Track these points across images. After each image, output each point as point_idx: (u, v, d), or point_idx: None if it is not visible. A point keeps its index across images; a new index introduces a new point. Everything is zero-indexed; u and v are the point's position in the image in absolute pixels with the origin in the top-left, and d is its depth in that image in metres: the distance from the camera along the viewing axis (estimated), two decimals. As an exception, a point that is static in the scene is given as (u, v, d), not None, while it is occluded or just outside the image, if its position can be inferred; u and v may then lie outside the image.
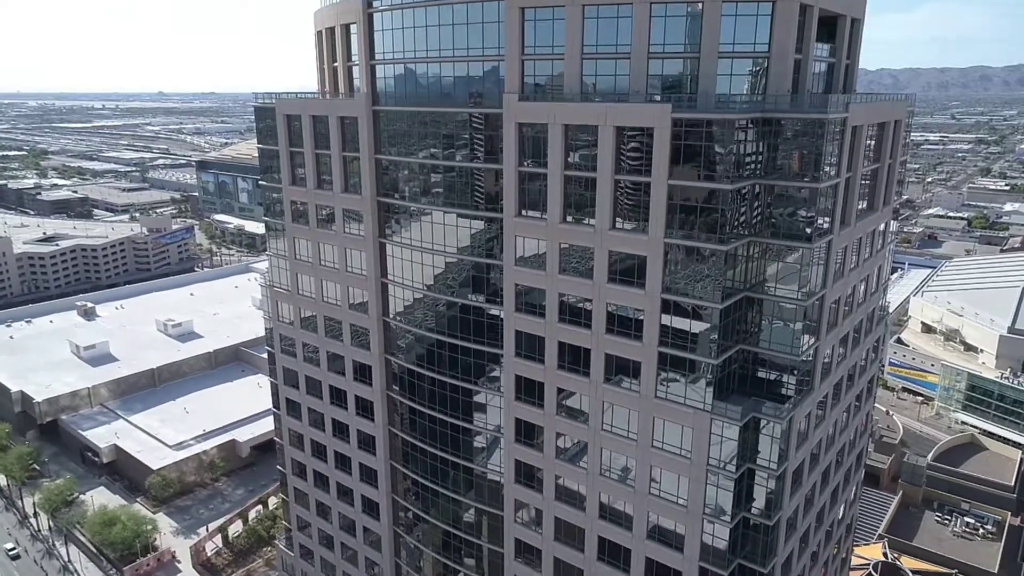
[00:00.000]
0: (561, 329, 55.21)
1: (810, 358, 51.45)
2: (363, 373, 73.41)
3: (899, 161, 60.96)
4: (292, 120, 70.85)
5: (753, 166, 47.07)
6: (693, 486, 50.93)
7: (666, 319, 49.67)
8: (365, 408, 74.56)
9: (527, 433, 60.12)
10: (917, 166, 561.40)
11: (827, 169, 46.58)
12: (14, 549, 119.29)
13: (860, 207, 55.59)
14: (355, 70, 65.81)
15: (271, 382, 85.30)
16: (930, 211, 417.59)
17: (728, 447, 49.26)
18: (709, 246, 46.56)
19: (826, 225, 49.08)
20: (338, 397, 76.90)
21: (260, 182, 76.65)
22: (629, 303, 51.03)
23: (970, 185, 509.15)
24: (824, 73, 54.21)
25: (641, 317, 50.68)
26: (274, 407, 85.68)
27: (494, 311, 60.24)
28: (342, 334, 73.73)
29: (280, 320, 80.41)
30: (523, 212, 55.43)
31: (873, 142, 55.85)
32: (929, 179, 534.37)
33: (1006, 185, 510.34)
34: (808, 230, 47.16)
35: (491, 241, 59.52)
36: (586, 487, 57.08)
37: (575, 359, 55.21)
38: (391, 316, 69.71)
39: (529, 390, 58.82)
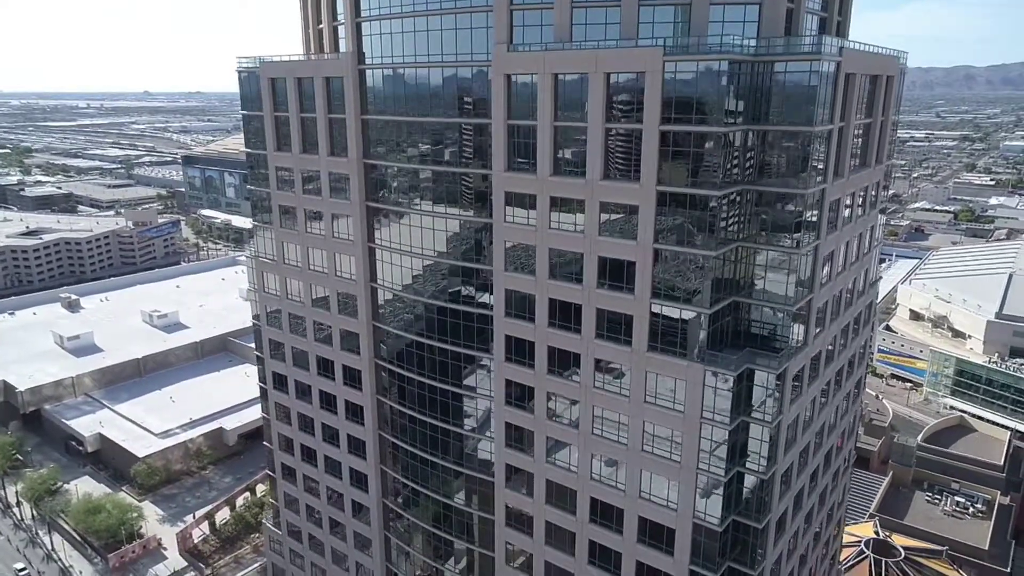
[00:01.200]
0: (552, 286, 54.27)
1: (804, 311, 50.78)
2: (350, 343, 72.22)
3: (891, 120, 60.50)
4: (277, 84, 69.62)
5: (746, 111, 46.33)
6: (687, 440, 50.10)
7: (658, 271, 48.87)
8: (353, 378, 73.42)
9: (518, 396, 59.15)
10: (903, 162, 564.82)
11: (821, 114, 45.90)
12: (24, 570, 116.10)
13: (853, 162, 55.00)
14: (340, 30, 64.64)
15: (256, 355, 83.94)
16: (916, 205, 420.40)
17: (722, 400, 48.47)
18: (702, 192, 45.80)
19: (820, 174, 48.40)
20: (326, 368, 75.70)
21: (245, 149, 75.31)
22: (621, 255, 50.14)
23: (956, 180, 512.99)
24: (816, 29, 53.61)
25: (633, 271, 49.85)
26: (260, 381, 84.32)
27: (484, 271, 59.30)
28: (329, 303, 72.56)
29: (266, 291, 79.08)
30: (512, 167, 54.52)
31: (866, 97, 55.26)
32: (915, 174, 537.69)
33: (991, 180, 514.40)
34: (802, 178, 46.43)
35: (481, 200, 58.52)
36: (578, 447, 56.16)
37: (566, 316, 54.30)
38: (379, 282, 68.60)
39: (519, 350, 57.87)
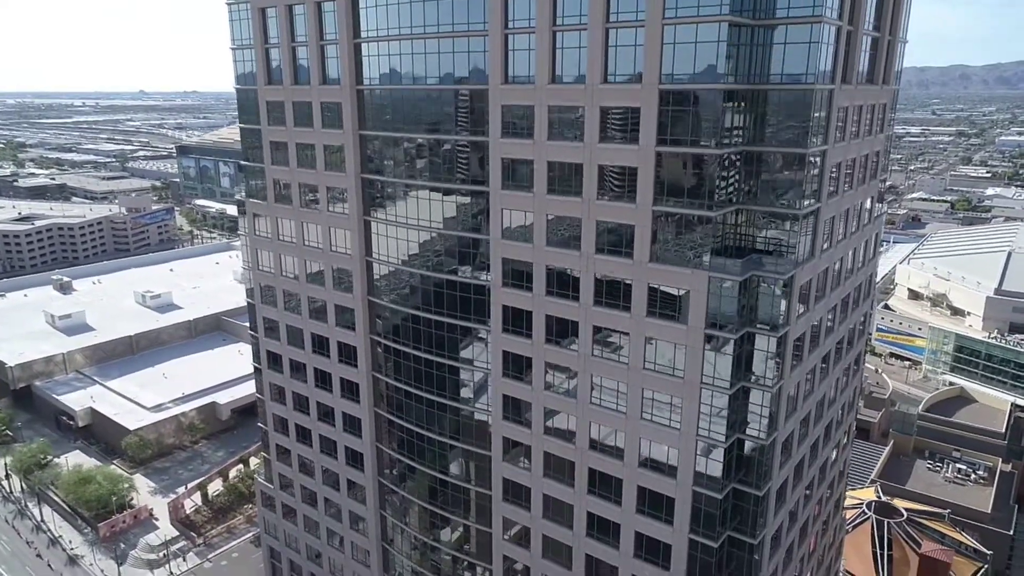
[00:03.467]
0: (551, 201, 52.62)
1: (811, 221, 49.17)
2: (343, 281, 70.42)
3: (899, 39, 58.99)
4: (267, 13, 67.81)
5: (753, 6, 44.75)
6: (690, 353, 48.42)
7: (661, 175, 47.21)
8: (347, 322, 71.71)
9: (514, 322, 57.45)
10: (899, 156, 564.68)
11: (828, 8, 44.34)
12: None
13: (860, 77, 53.47)
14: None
15: (248, 302, 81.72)
16: (914, 195, 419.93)
17: (728, 310, 46.81)
18: (707, 86, 44.20)
19: (827, 78, 46.74)
20: (319, 312, 73.99)
21: (235, 86, 73.46)
22: (622, 162, 48.52)
23: (952, 173, 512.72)
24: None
25: (635, 179, 48.20)
26: (251, 329, 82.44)
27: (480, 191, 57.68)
28: (320, 241, 70.82)
29: (256, 234, 77.17)
30: (509, 79, 52.86)
31: (874, 6, 53.64)
32: (912, 167, 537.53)
33: (987, 173, 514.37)
34: (808, 77, 44.82)
35: (477, 122, 56.83)
36: (578, 368, 54.42)
37: (565, 236, 52.60)
38: (371, 215, 66.81)
39: (517, 276, 56.18)
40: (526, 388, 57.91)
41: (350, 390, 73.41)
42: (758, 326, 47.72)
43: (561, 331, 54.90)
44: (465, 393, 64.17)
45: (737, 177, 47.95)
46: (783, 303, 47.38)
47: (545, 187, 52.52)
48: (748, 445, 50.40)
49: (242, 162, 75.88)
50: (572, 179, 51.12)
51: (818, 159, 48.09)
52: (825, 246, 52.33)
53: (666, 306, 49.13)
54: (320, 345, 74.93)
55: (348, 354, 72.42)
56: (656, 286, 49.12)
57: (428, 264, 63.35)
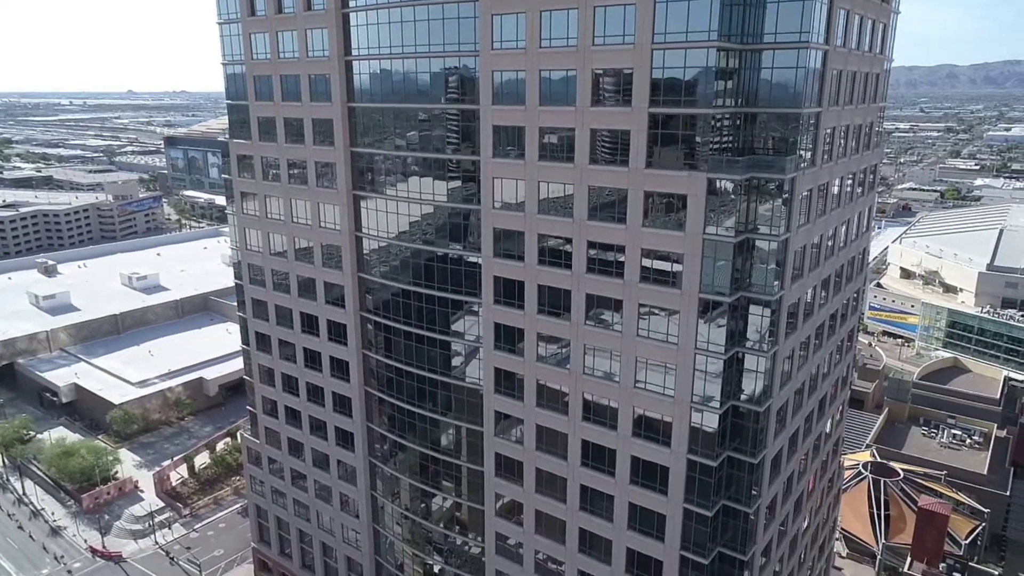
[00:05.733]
0: (543, 112, 51.01)
1: (812, 125, 47.75)
2: (329, 214, 68.56)
3: (896, -43, 57.84)
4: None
5: None
6: (689, 260, 46.78)
7: (657, 74, 45.68)
8: (334, 261, 69.86)
9: (506, 245, 55.79)
10: (889, 150, 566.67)
11: None
12: None
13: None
14: None
15: (229, 214, 79.07)
16: (904, 185, 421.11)
17: (726, 217, 45.33)
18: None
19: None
20: (305, 255, 72.08)
21: (217, 22, 71.46)
22: (617, 64, 46.98)
23: (941, 165, 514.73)
24: None
25: (631, 84, 46.70)
26: (236, 278, 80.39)
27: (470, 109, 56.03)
28: (307, 172, 68.97)
29: (242, 177, 75.21)
30: None
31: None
32: (902, 160, 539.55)
33: (976, 165, 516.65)
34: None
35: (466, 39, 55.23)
36: (572, 287, 52.78)
37: (558, 149, 50.98)
38: (358, 146, 65.03)
39: (508, 191, 54.51)
40: (519, 314, 56.21)
41: (337, 334, 71.48)
42: (759, 232, 46.19)
43: (555, 252, 53.25)
44: (456, 328, 62.44)
45: (735, 79, 46.48)
46: (784, 210, 45.89)
47: (537, 101, 50.86)
48: (749, 361, 48.84)
49: (227, 101, 73.70)
50: (564, 95, 49.55)
51: (819, 61, 46.63)
52: (825, 158, 50.91)
53: (664, 214, 47.58)
54: (306, 288, 72.99)
55: (336, 297, 70.56)
56: (652, 192, 47.53)
57: (418, 196, 61.62)
